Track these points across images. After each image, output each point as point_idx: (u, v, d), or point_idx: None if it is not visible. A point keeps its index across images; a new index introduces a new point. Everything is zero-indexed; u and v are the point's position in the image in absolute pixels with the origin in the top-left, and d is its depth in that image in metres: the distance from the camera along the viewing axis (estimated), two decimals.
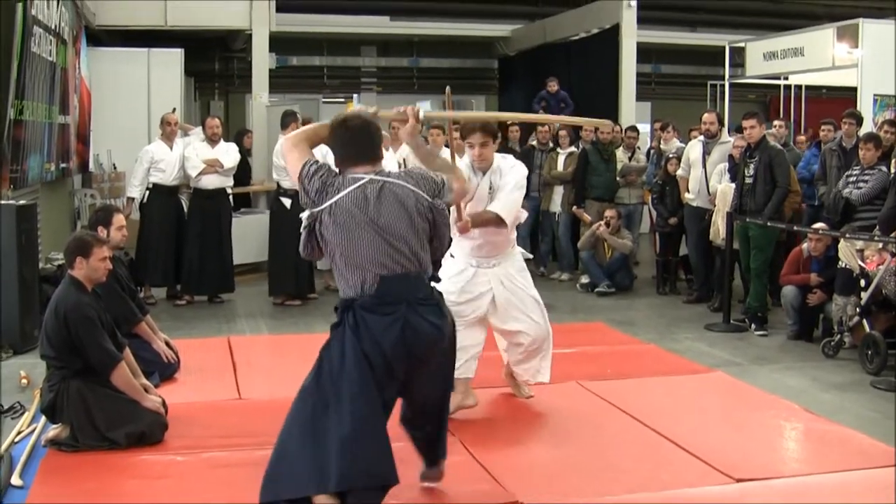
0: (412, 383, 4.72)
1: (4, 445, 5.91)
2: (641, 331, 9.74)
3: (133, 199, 11.36)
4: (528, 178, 12.80)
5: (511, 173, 6.42)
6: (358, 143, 4.68)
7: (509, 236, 6.60)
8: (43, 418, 6.14)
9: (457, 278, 6.38)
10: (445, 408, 5.15)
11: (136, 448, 5.85)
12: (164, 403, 6.20)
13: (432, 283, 4.76)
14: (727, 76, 17.44)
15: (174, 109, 12.31)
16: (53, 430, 5.96)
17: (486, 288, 6.47)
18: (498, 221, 6.29)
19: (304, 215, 4.78)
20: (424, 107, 22.76)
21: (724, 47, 17.47)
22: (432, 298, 4.69)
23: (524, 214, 6.68)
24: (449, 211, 4.99)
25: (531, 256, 6.77)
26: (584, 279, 12.33)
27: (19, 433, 6.20)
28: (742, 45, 16.92)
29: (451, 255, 6.32)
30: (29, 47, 9.90)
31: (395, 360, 4.51)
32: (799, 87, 18.08)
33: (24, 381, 7.43)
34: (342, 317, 4.59)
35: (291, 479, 4.39)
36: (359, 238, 4.54)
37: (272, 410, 6.72)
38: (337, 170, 4.73)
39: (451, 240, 5.02)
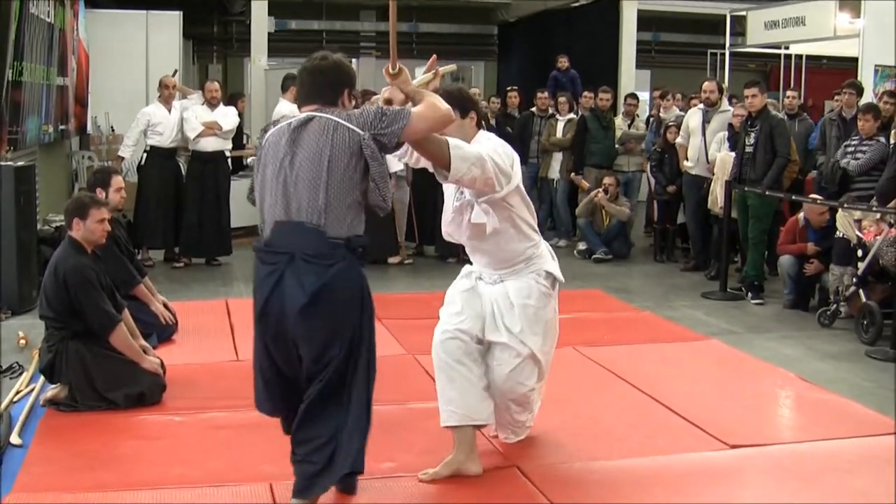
0: (299, 351, 4.35)
1: (3, 405, 5.92)
2: (638, 298, 9.77)
3: (123, 158, 11.35)
4: (528, 145, 13.07)
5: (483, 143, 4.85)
6: (308, 82, 4.33)
7: (517, 247, 5.08)
8: (41, 378, 6.17)
9: (461, 293, 5.13)
10: (344, 408, 4.32)
11: (135, 409, 5.89)
12: (162, 365, 6.23)
13: (352, 243, 4.17)
14: (728, 45, 17.39)
15: (175, 72, 12.29)
16: (52, 391, 5.99)
17: (479, 310, 5.08)
18: (442, 151, 4.49)
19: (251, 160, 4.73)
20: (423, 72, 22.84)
21: (725, 16, 17.42)
22: (324, 258, 4.12)
23: (491, 220, 4.86)
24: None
25: (562, 279, 5.55)
26: (582, 246, 12.35)
27: (18, 393, 6.22)
28: (743, 13, 16.87)
29: (470, 262, 5.30)
30: (27, 9, 9.87)
31: (270, 315, 4.32)
32: (800, 56, 18.04)
33: (23, 341, 7.46)
34: None
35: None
36: (265, 179, 4.26)
37: None
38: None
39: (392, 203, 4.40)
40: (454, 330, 4.96)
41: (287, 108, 10.93)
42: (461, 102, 4.87)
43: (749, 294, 9.77)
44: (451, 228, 5.05)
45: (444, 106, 4.29)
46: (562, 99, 13.21)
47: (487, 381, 5.05)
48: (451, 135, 4.67)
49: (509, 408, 5.24)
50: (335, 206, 4.11)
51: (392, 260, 11.23)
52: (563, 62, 15.95)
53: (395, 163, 10.76)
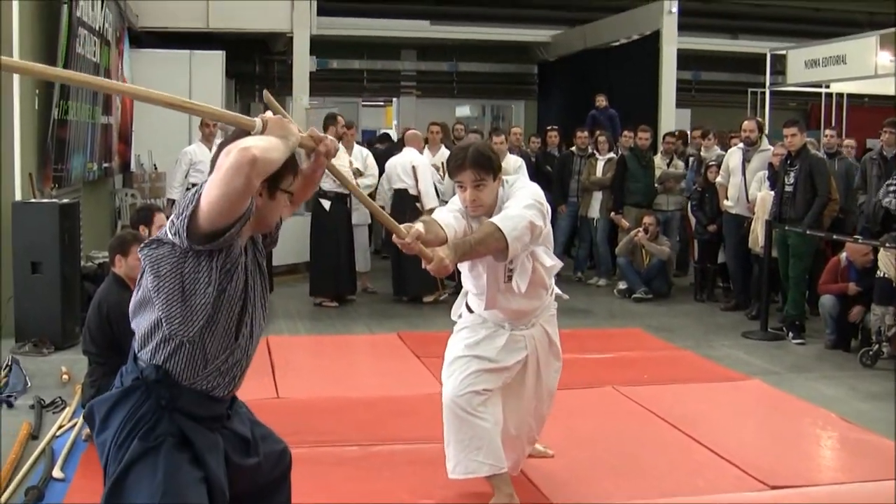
0: None
1: (46, 439, 6.01)
2: (678, 337, 9.72)
3: (174, 200, 11.51)
4: (568, 184, 13.08)
5: (516, 194, 4.77)
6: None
7: (549, 288, 5.15)
8: (83, 413, 6.23)
9: (489, 341, 5.02)
10: None
11: None
12: None
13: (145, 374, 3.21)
14: (768, 84, 17.36)
15: None
16: None
17: (522, 356, 5.07)
18: (499, 245, 4.49)
19: None
20: (463, 111, 22.82)
21: (765, 55, 17.39)
22: (119, 377, 3.33)
23: (557, 264, 5.04)
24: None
25: (564, 297, 5.53)
26: (622, 285, 12.32)
27: (60, 427, 6.30)
28: (783, 52, 16.84)
29: (469, 310, 5.19)
30: (73, 48, 10.02)
31: None
32: (840, 95, 17.99)
33: (65, 376, 7.54)
34: None
35: None
36: None
37: (309, 409, 6.84)
38: None
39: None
40: (482, 389, 4.93)
41: None
42: (494, 168, 4.75)
43: (790, 334, 9.70)
44: (495, 302, 4.93)
45: (242, 157, 2.85)
46: (601, 138, 13.22)
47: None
48: (484, 200, 4.72)
49: (541, 409, 5.37)
50: (140, 324, 3.23)
51: (427, 298, 11.26)
52: (601, 101, 15.97)
53: (432, 198, 10.85)
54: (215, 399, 3.31)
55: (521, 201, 4.66)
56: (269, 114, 3.21)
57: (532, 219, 4.58)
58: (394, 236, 4.07)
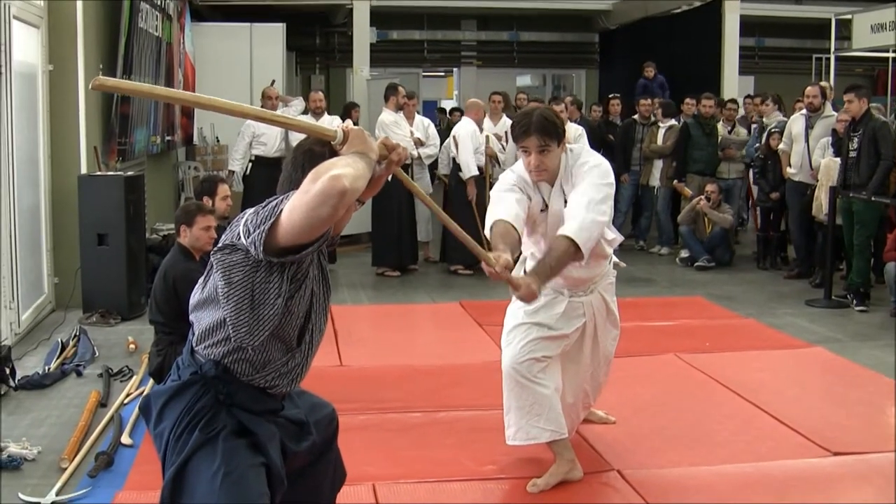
0: None
1: (114, 407, 6.15)
2: (741, 305, 9.67)
3: (234, 172, 11.62)
4: (630, 152, 13.02)
5: (586, 174, 4.72)
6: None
7: (608, 256, 5.17)
8: (150, 381, 6.33)
9: (548, 308, 5.01)
10: None
11: None
12: None
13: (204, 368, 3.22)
14: (833, 49, 17.12)
15: (273, 82, 12.49)
16: None
17: (581, 323, 5.10)
18: (576, 258, 4.52)
19: None
20: (524, 81, 22.69)
21: (829, 19, 17.14)
22: (176, 370, 3.36)
23: (618, 237, 5.13)
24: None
25: (623, 265, 5.54)
26: (684, 253, 12.26)
27: (128, 395, 6.43)
28: (849, 17, 16.59)
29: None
30: (136, 23, 10.14)
31: None
32: None
33: (132, 346, 7.68)
34: None
35: None
36: None
37: (372, 377, 6.92)
38: None
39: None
40: (542, 356, 4.98)
41: (389, 118, 11.10)
42: (559, 133, 4.75)
43: (854, 301, 9.61)
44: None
45: (331, 187, 2.79)
46: (663, 105, 13.17)
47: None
48: (549, 165, 4.74)
49: (598, 376, 5.41)
50: (200, 315, 3.27)
51: (456, 268, 11.35)
52: (649, 70, 15.88)
53: (472, 169, 10.88)
54: (273, 395, 3.32)
55: (594, 191, 4.62)
56: (348, 123, 3.21)
57: (603, 216, 4.59)
58: (482, 263, 4.11)
